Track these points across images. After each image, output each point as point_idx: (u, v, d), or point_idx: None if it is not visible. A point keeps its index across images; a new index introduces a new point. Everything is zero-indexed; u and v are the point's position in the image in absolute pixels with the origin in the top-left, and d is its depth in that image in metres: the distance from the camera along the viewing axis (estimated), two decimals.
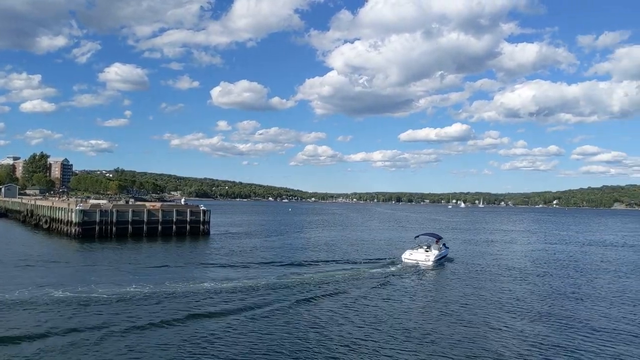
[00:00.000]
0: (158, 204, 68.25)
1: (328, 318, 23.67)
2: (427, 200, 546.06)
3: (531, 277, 37.95)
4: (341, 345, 19.67)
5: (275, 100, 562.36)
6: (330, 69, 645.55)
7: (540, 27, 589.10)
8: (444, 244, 47.48)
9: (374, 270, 38.16)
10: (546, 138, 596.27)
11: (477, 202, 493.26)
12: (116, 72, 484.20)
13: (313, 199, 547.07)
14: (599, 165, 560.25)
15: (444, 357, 18.57)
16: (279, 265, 40.42)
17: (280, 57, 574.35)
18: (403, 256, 43.54)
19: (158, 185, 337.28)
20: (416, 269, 39.69)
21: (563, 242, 72.42)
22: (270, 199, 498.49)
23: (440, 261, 43.55)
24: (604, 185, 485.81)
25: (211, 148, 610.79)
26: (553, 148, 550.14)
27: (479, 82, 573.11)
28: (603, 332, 22.36)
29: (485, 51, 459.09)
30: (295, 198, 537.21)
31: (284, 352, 18.81)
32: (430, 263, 41.45)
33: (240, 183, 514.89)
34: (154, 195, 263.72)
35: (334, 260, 44.32)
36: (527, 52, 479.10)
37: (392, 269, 39.33)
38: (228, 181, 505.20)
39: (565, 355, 19.09)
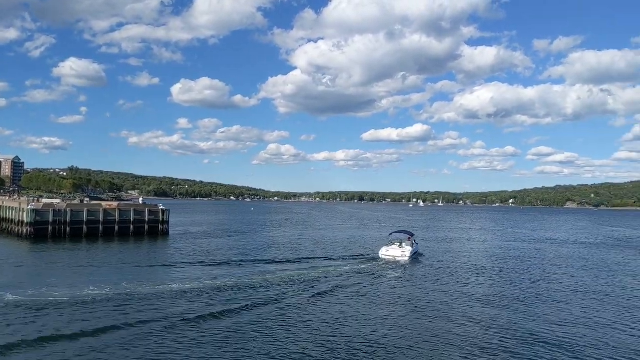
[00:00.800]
0: (115, 204, 66.27)
1: (300, 316, 23.61)
2: (389, 200, 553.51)
3: (493, 273, 39.20)
4: (316, 345, 19.62)
5: (238, 98, 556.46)
6: (293, 68, 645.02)
7: (498, 31, 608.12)
8: (414, 241, 50.31)
9: (346, 268, 38.48)
10: (503, 139, 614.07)
11: (436, 201, 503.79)
12: (71, 67, 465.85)
13: (276, 198, 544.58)
14: (553, 166, 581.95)
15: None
16: (242, 265, 40.00)
17: (243, 55, 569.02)
18: (380, 252, 45.69)
19: (115, 184, 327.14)
20: (394, 264, 41.92)
21: (519, 240, 74.95)
22: (232, 198, 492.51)
23: (414, 256, 46.34)
24: (557, 185, 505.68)
25: (171, 146, 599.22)
26: (509, 149, 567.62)
27: (440, 84, 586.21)
28: (560, 322, 23.27)
29: (446, 53, 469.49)
30: (258, 197, 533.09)
31: (256, 354, 18.52)
32: (406, 258, 44.06)
33: (201, 182, 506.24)
34: (110, 194, 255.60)
35: (298, 259, 44.20)
36: (486, 55, 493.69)
37: (363, 266, 39.99)
38: (188, 180, 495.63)
39: (530, 345, 19.76)
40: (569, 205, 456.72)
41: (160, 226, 62.20)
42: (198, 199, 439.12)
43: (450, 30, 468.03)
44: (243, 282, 31.62)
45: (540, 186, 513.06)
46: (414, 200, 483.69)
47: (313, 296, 28.22)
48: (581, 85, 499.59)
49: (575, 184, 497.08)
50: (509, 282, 35.26)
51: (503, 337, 21.16)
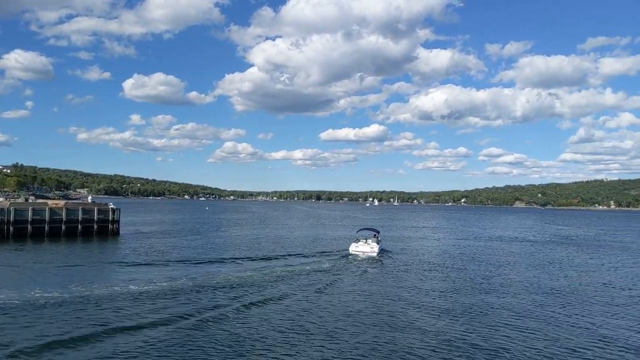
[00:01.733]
0: (62, 202, 63.44)
1: (266, 316, 23.24)
2: (346, 199, 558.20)
3: (450, 269, 40.23)
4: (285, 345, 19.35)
5: (193, 94, 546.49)
6: (251, 65, 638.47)
7: (453, 34, 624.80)
8: (379, 238, 52.48)
9: (311, 266, 38.42)
10: (456, 140, 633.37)
11: (392, 200, 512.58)
12: (17, 59, 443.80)
13: (232, 197, 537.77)
14: (503, 167, 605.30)
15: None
16: (197, 264, 39.12)
17: (199, 50, 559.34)
18: (350, 248, 48.33)
19: (62, 182, 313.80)
20: (363, 259, 44.59)
21: (471, 238, 77.18)
22: (186, 197, 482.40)
23: (381, 252, 48.64)
24: (506, 185, 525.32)
25: (122, 143, 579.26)
26: (462, 150, 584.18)
27: (396, 85, 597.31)
28: (511, 316, 24.02)
29: (402, 55, 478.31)
30: (213, 196, 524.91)
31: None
32: (374, 254, 46.85)
33: (154, 180, 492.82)
34: (57, 192, 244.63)
35: (258, 258, 43.77)
36: (441, 58, 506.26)
37: (331, 263, 40.05)
38: (140, 178, 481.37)
39: (485, 336, 20.29)
40: (518, 204, 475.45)
41: (110, 226, 59.98)
42: (150, 197, 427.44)
43: (406, 33, 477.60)
44: (200, 282, 30.91)
45: (490, 186, 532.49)
46: (370, 199, 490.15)
47: (279, 297, 27.88)
48: (530, 88, 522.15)
49: (523, 184, 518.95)
50: (464, 278, 36.26)
51: (464, 330, 21.67)
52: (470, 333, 21.54)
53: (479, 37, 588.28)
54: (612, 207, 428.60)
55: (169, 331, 20.47)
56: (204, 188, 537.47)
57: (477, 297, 29.59)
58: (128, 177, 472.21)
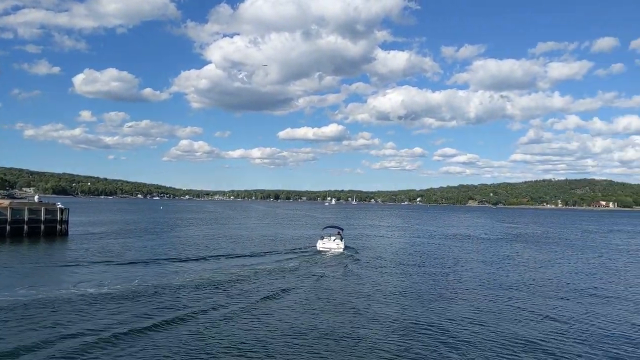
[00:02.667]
0: (6, 202, 60.08)
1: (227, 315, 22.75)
2: (305, 198, 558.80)
3: (408, 266, 40.74)
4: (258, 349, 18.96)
5: (148, 91, 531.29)
6: (208, 62, 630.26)
7: (410, 36, 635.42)
8: (342, 235, 54.45)
9: (277, 264, 37.89)
10: (412, 140, 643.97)
11: (350, 199, 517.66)
12: None
13: (187, 196, 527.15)
14: (456, 166, 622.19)
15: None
16: (151, 265, 37.95)
17: (154, 46, 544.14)
18: (317, 245, 50.55)
19: (7, 180, 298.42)
20: (330, 255, 46.86)
21: (427, 236, 78.93)
22: (139, 196, 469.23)
23: (346, 249, 50.77)
24: (460, 184, 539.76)
25: (72, 140, 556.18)
26: (418, 150, 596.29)
27: (355, 85, 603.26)
28: (466, 308, 24.64)
29: (360, 56, 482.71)
30: (168, 195, 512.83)
31: None
32: (341, 250, 49.29)
33: (105, 179, 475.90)
34: (1, 191, 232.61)
35: (209, 258, 42.96)
36: (398, 59, 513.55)
37: (297, 260, 39.83)
38: (91, 177, 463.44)
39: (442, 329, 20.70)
40: (471, 203, 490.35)
41: (58, 226, 57.38)
42: (102, 197, 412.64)
43: (364, 33, 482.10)
44: (154, 283, 29.98)
45: (445, 185, 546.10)
46: (329, 198, 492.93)
47: (242, 295, 27.43)
48: (483, 91, 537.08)
49: (476, 183, 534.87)
50: (423, 273, 37.06)
51: (424, 322, 22.05)
52: (430, 325, 21.95)
53: (435, 40, 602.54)
54: (560, 205, 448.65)
55: (125, 333, 19.72)
56: (158, 187, 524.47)
57: (436, 291, 30.22)
58: (78, 175, 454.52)
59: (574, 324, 23.44)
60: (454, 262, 45.84)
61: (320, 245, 50.39)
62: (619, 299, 29.93)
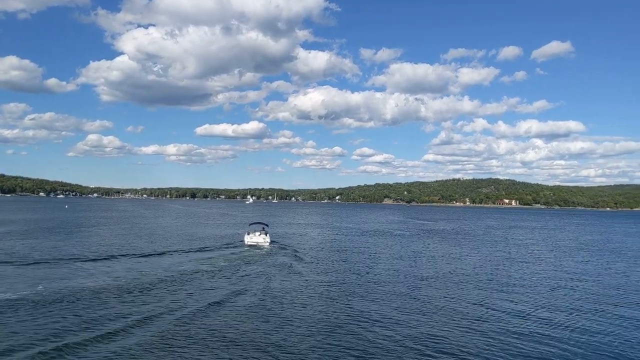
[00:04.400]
0: None
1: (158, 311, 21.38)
2: (223, 196, 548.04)
3: (332, 262, 41.25)
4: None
5: (52, 82, 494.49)
6: (120, 54, 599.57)
7: (330, 37, 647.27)
8: (267, 230, 57.88)
9: (187, 265, 36.38)
10: (332, 140, 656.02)
11: (270, 197, 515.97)
12: None
13: (95, 194, 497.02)
14: (373, 166, 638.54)
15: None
16: (55, 266, 35.11)
17: (60, 34, 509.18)
18: (245, 240, 53.64)
19: None
20: (258, 249, 49.57)
21: (346, 233, 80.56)
22: (41, 194, 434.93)
23: (272, 243, 53.67)
24: (376, 183, 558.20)
25: None
26: (337, 149, 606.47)
27: (276, 83, 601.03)
28: (386, 300, 25.43)
29: (281, 54, 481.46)
30: (74, 193, 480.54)
31: None
32: (267, 244, 52.43)
33: (3, 175, 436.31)
34: None
35: (124, 257, 40.67)
36: (319, 59, 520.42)
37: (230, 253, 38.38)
38: None
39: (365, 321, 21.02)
40: (386, 201, 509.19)
41: None
42: None
43: (286, 32, 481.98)
44: (61, 285, 27.72)
45: (362, 184, 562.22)
46: (249, 196, 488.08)
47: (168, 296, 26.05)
48: (399, 93, 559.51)
49: (391, 182, 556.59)
50: (344, 270, 37.66)
51: (354, 318, 22.28)
52: (353, 318, 22.33)
53: (355, 42, 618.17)
54: (467, 203, 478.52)
55: (36, 338, 17.98)
56: (63, 184, 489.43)
57: (358, 285, 30.93)
58: None
59: (481, 313, 25.00)
60: (370, 257, 47.15)
61: (248, 239, 53.39)
62: (519, 287, 32.41)
